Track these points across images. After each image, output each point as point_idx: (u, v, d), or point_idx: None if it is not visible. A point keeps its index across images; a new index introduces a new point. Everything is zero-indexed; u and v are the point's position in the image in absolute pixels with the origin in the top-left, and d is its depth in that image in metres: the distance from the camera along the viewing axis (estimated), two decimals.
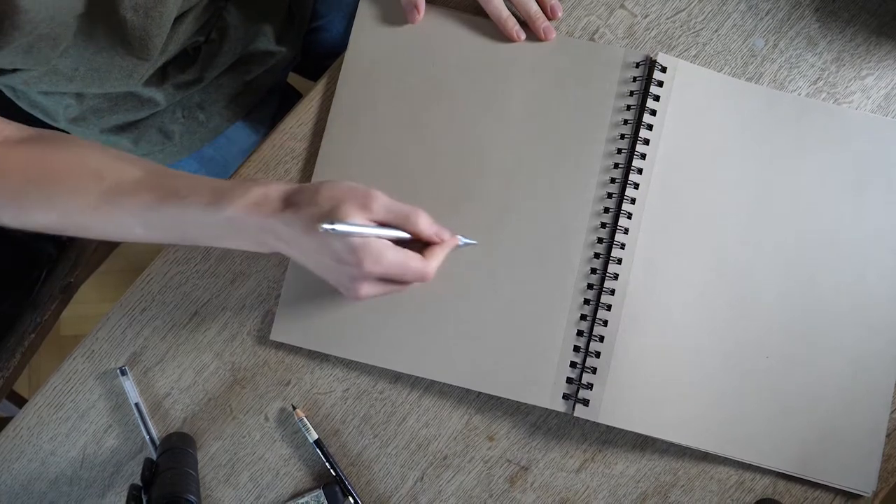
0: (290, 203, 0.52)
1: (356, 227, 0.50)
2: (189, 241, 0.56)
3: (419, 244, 0.56)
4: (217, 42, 0.76)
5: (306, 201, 0.52)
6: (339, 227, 0.49)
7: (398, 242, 0.54)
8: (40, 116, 0.79)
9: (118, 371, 0.66)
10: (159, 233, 0.56)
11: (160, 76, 0.74)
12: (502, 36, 0.68)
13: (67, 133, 0.78)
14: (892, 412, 0.64)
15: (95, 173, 0.55)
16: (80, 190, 0.55)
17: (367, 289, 0.53)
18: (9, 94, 0.77)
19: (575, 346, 0.64)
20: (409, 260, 0.54)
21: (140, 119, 0.80)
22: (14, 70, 0.62)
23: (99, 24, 0.59)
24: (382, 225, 0.53)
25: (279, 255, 0.66)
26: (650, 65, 0.67)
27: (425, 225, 0.55)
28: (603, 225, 0.65)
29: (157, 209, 0.54)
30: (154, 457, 0.63)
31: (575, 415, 0.63)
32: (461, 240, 0.61)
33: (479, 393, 0.65)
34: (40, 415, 0.66)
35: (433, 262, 0.55)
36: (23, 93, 0.77)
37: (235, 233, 0.54)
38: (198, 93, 0.80)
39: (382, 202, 0.52)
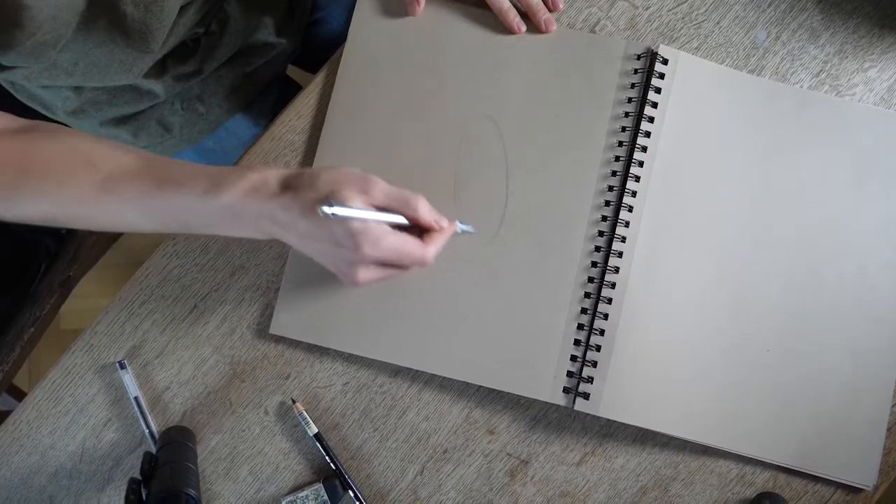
0: (287, 187, 0.52)
1: (355, 210, 0.50)
2: (186, 228, 0.56)
3: (418, 230, 0.56)
4: (217, 34, 0.76)
5: (305, 185, 0.51)
6: (338, 210, 0.48)
7: (397, 228, 0.54)
8: (39, 109, 0.78)
9: (117, 365, 0.66)
10: (155, 221, 0.56)
11: (159, 68, 0.74)
12: (503, 28, 0.68)
13: (65, 125, 0.78)
14: (893, 406, 0.63)
15: (90, 163, 0.55)
16: (74, 180, 0.55)
17: (365, 273, 0.53)
18: (7, 87, 0.77)
19: (575, 340, 0.63)
20: (408, 244, 0.53)
21: (139, 111, 0.80)
22: (14, 66, 0.62)
23: (99, 19, 0.58)
24: (381, 210, 0.53)
25: (278, 244, 0.66)
26: (651, 57, 0.66)
27: (424, 210, 0.55)
28: (604, 218, 0.65)
29: (152, 197, 0.53)
30: (153, 451, 0.63)
31: (575, 408, 0.62)
32: (459, 226, 0.60)
33: (480, 387, 0.65)
34: (39, 409, 0.66)
35: (432, 247, 0.55)
36: (21, 86, 0.76)
37: (233, 219, 0.53)
38: (197, 85, 0.80)
39: (381, 187, 0.52)
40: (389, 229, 0.52)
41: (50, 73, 0.64)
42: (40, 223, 0.57)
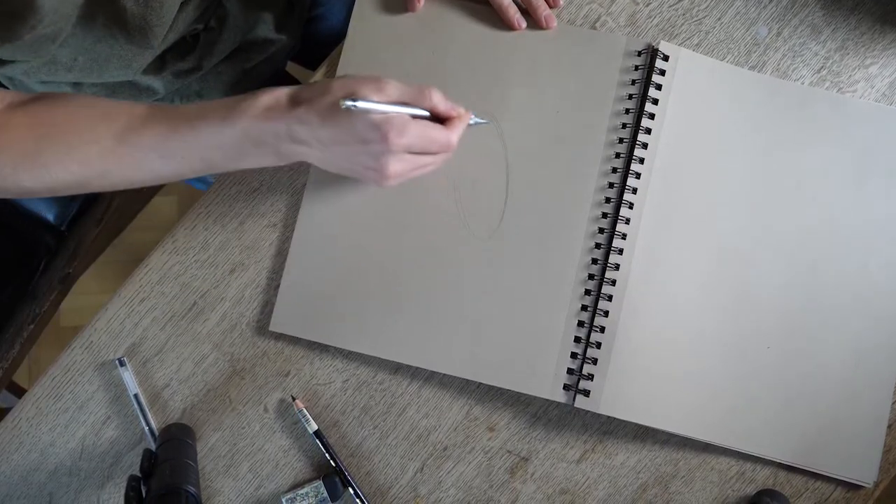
0: (300, 101, 0.53)
1: (376, 104, 0.51)
2: (210, 167, 0.57)
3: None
4: (216, 30, 0.75)
5: (318, 94, 0.52)
6: (360, 103, 0.49)
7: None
8: None
9: (117, 362, 0.66)
10: (178, 164, 0.56)
11: (158, 64, 0.73)
12: (503, 24, 0.67)
13: None
14: (894, 403, 0.63)
15: (105, 116, 0.56)
16: (94, 135, 0.55)
17: (395, 165, 0.54)
18: (6, 83, 0.76)
19: (576, 337, 0.63)
20: (432, 129, 0.55)
21: None
22: (13, 61, 0.62)
23: (99, 13, 0.58)
24: (398, 105, 0.54)
25: (276, 239, 0.66)
26: (652, 53, 0.66)
27: (439, 99, 0.56)
28: (604, 215, 0.64)
29: (172, 138, 0.54)
30: (153, 448, 0.63)
31: (575, 405, 0.62)
32: (473, 118, 0.62)
33: (480, 384, 0.65)
34: (39, 406, 0.66)
35: (454, 133, 0.57)
36: (20, 81, 0.76)
37: (253, 146, 0.54)
38: (196, 81, 0.80)
39: (394, 83, 0.53)
40: (411, 118, 0.53)
41: (49, 68, 0.64)
42: (71, 191, 0.57)
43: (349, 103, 0.49)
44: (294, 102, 0.53)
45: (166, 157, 0.56)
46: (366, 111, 0.51)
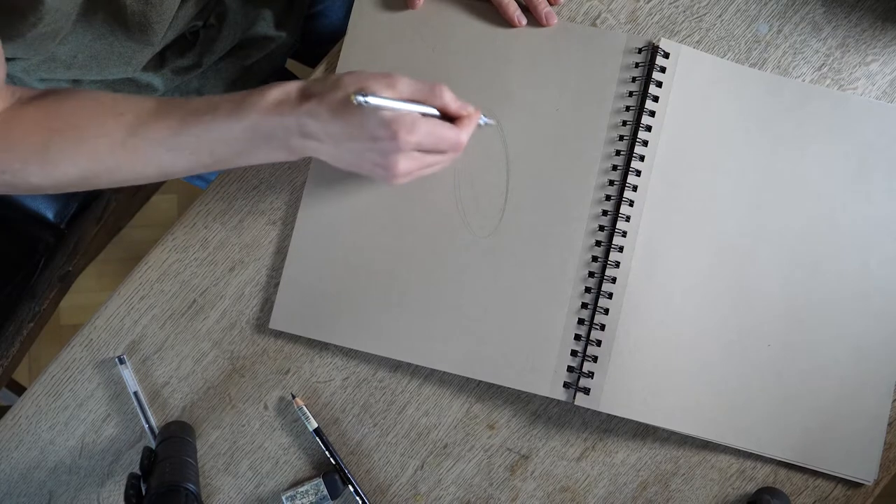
0: (310, 95, 0.53)
1: (387, 100, 0.51)
2: (219, 161, 0.56)
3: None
4: (216, 27, 0.75)
5: (329, 88, 0.52)
6: (371, 99, 0.49)
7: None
8: None
9: (116, 360, 0.65)
10: (188, 158, 0.56)
11: (158, 61, 0.73)
12: (503, 21, 0.67)
13: None
14: (894, 400, 0.63)
15: (114, 111, 0.55)
16: (103, 129, 0.55)
17: (405, 163, 0.54)
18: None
19: (576, 335, 0.63)
20: (442, 128, 0.54)
21: None
22: (13, 59, 0.62)
23: (99, 11, 0.58)
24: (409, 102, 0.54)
25: (275, 236, 0.66)
26: (653, 50, 0.66)
27: (450, 98, 0.56)
28: (604, 212, 0.64)
29: (181, 132, 0.54)
30: (153, 446, 0.63)
31: (576, 403, 0.62)
32: (482, 118, 0.62)
33: (480, 382, 0.65)
34: (39, 404, 0.66)
35: (464, 133, 0.56)
36: (20, 79, 0.76)
37: (262, 140, 0.54)
38: (196, 78, 0.79)
39: (406, 80, 0.53)
40: (421, 116, 0.53)
41: (48, 65, 0.64)
42: (78, 187, 0.57)
43: (361, 98, 0.48)
44: (304, 96, 0.53)
45: (175, 150, 0.55)
46: (377, 107, 0.50)
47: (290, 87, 0.53)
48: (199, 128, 0.54)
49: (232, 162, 0.56)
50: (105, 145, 0.55)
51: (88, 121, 0.55)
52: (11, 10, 0.51)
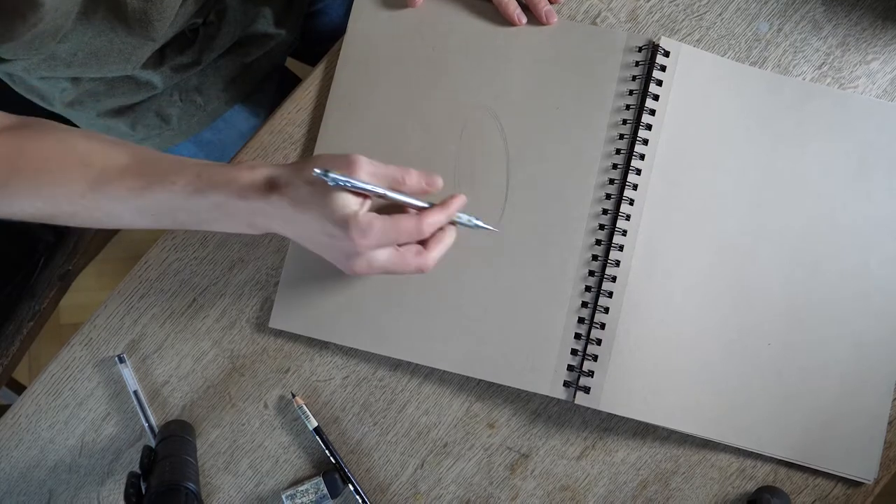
0: (276, 186, 0.52)
1: (350, 178, 0.49)
2: (181, 225, 0.55)
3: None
4: (215, 24, 0.75)
5: (294, 179, 0.51)
6: (332, 175, 0.48)
7: (398, 210, 0.53)
8: (36, 100, 0.78)
9: (116, 359, 0.65)
10: (149, 219, 0.55)
11: (157, 59, 0.73)
12: (503, 20, 0.67)
13: (60, 117, 0.78)
14: (895, 399, 0.63)
15: (82, 160, 0.55)
16: (66, 178, 0.54)
17: (361, 264, 0.52)
18: (5, 79, 0.76)
19: (576, 334, 0.63)
20: (400, 221, 0.52)
21: (137, 102, 0.79)
22: (14, 58, 0.62)
23: (99, 8, 0.58)
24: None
25: (277, 238, 0.66)
26: (653, 49, 0.66)
27: (413, 182, 0.54)
28: (605, 211, 0.64)
29: (144, 196, 0.53)
30: (153, 444, 0.63)
31: (576, 402, 0.62)
32: (465, 218, 0.57)
33: (480, 380, 0.65)
34: (38, 403, 0.66)
35: (426, 220, 0.53)
36: (20, 78, 0.76)
37: (226, 217, 0.53)
38: (195, 76, 0.79)
39: (366, 168, 0.51)
40: (377, 215, 0.51)
41: (49, 63, 0.64)
42: (37, 220, 0.57)
43: (318, 171, 0.48)
44: (270, 186, 0.52)
45: (136, 211, 0.54)
46: (338, 183, 0.49)
47: (258, 175, 0.52)
48: (161, 194, 0.53)
49: (193, 227, 0.56)
50: (64, 194, 0.54)
51: (52, 167, 0.54)
52: (11, 12, 0.51)
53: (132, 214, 0.55)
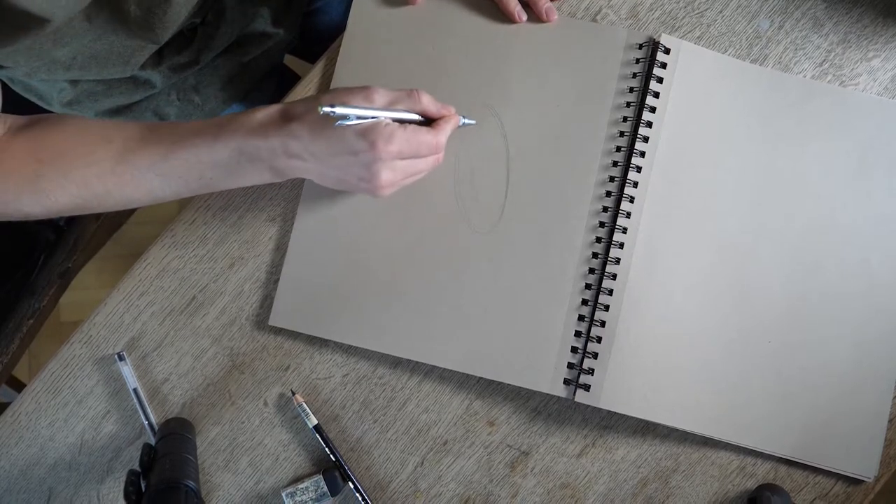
0: (292, 117, 0.54)
1: (358, 109, 0.52)
2: (208, 185, 0.58)
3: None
4: (214, 23, 0.75)
5: (309, 108, 0.54)
6: (339, 109, 0.51)
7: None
8: (34, 100, 0.78)
9: (116, 356, 0.65)
10: (177, 182, 0.57)
11: (156, 58, 0.73)
12: (503, 17, 0.67)
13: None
14: (895, 397, 0.63)
15: (102, 139, 0.57)
16: (93, 158, 0.56)
17: (387, 173, 0.55)
18: (5, 80, 0.76)
19: (576, 331, 0.63)
20: (420, 133, 0.55)
21: (135, 102, 0.79)
22: (15, 65, 0.62)
23: (102, 12, 0.58)
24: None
25: (274, 233, 0.66)
26: (653, 46, 0.66)
27: (428, 101, 0.57)
28: (605, 209, 0.64)
29: (169, 158, 0.55)
30: (153, 442, 0.63)
31: (576, 400, 0.62)
32: (463, 119, 0.62)
33: (480, 378, 0.65)
34: (38, 400, 0.66)
35: (441, 134, 0.57)
36: (21, 82, 0.76)
37: (248, 162, 0.55)
38: (193, 75, 0.79)
39: (382, 90, 0.55)
40: (398, 124, 0.54)
41: (48, 67, 0.64)
42: (71, 213, 0.58)
43: (327, 109, 0.50)
44: (286, 118, 0.54)
45: (164, 175, 0.56)
46: (343, 116, 0.51)
47: (272, 110, 0.55)
48: (186, 152, 0.55)
49: (220, 185, 0.58)
50: (94, 174, 0.56)
51: (77, 150, 0.56)
52: (15, 27, 0.51)
53: (160, 183, 0.57)
